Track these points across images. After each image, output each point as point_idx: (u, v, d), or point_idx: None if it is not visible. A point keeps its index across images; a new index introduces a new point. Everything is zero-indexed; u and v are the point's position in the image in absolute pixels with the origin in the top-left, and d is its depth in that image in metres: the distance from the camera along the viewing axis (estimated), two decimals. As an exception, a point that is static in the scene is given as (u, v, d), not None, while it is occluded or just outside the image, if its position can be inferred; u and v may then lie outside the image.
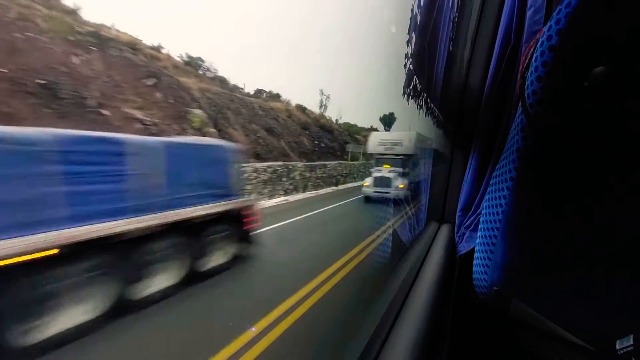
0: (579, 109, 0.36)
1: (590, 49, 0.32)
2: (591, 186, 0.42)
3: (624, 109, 0.34)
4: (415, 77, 1.07)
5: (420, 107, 1.18)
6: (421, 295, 0.75)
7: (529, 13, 0.86)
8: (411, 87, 1.08)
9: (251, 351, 2.94)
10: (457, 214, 1.21)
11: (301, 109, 21.90)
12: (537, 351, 0.62)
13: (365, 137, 22.78)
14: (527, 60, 0.40)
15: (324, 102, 27.60)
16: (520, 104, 0.42)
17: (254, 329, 3.27)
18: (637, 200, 0.40)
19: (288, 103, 22.34)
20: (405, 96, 1.08)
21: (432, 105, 1.25)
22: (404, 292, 0.79)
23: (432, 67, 1.17)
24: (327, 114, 26.76)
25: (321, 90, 28.53)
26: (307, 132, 18.76)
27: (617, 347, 0.42)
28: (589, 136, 0.38)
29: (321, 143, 19.55)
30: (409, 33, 1.01)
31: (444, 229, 1.37)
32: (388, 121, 37.18)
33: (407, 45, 1.02)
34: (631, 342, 0.41)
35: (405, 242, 1.55)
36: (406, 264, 1.06)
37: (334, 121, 27.11)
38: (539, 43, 0.36)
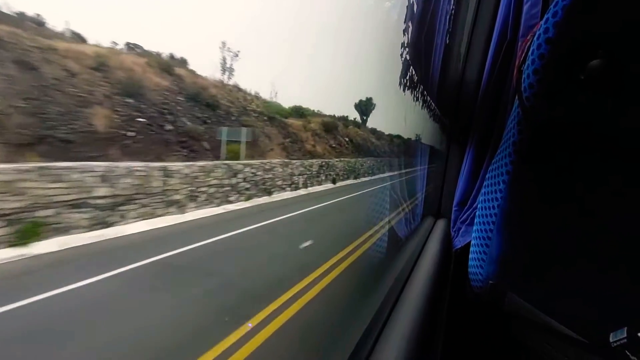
0: (575, 102, 0.35)
1: (586, 42, 0.32)
2: (587, 180, 0.42)
3: (620, 102, 0.33)
4: (411, 67, 1.06)
5: (417, 99, 1.17)
6: (416, 289, 0.75)
7: (525, 7, 0.86)
8: (407, 77, 1.07)
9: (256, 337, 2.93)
10: (453, 208, 1.21)
11: (162, 66, 11.78)
12: (532, 344, 0.62)
13: (309, 125, 17.77)
14: (523, 54, 0.39)
15: (228, 64, 16.46)
16: (516, 97, 0.42)
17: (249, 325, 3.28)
18: (632, 193, 0.40)
19: (115, 51, 11.84)
20: (402, 86, 1.06)
21: (428, 98, 1.24)
22: (400, 286, 0.79)
23: (429, 59, 1.16)
24: (238, 82, 16.53)
25: (223, 43, 17.17)
26: (129, 101, 9.39)
27: (611, 339, 0.43)
28: (585, 129, 0.38)
29: (165, 124, 9.92)
30: (405, 22, 1.00)
31: (440, 224, 1.38)
32: (364, 109, 30.06)
33: (404, 34, 1.00)
34: (625, 335, 0.41)
35: (402, 236, 1.55)
36: (402, 259, 1.06)
37: (251, 96, 16.46)
38: (536, 36, 0.36)
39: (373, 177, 20.55)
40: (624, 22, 0.30)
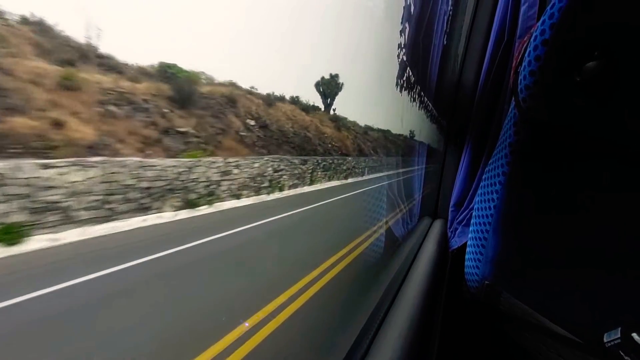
0: (571, 104, 0.35)
1: (582, 44, 0.32)
2: (582, 181, 0.42)
3: (616, 104, 0.33)
4: (408, 68, 1.06)
5: (414, 100, 1.17)
6: (413, 289, 0.75)
7: (523, 8, 0.86)
8: (404, 78, 1.07)
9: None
10: (450, 209, 1.22)
11: None
12: (527, 344, 0.63)
13: (87, 81, 7.24)
14: (520, 55, 0.39)
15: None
16: (513, 98, 0.42)
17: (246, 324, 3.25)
18: (627, 196, 0.40)
19: None
20: (398, 87, 1.07)
21: (425, 99, 1.24)
22: (396, 286, 0.79)
23: (427, 60, 1.17)
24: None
25: None
26: None
27: (605, 339, 0.43)
28: (581, 131, 0.38)
29: None
30: (402, 23, 1.00)
31: (437, 224, 1.38)
32: (326, 90, 21.99)
33: (401, 35, 1.00)
34: (618, 335, 0.41)
35: (399, 237, 1.56)
36: (399, 259, 1.06)
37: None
38: (533, 37, 0.36)
39: (245, 202, 8.81)
40: (620, 24, 0.30)
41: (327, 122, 19.32)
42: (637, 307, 0.43)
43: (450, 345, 0.89)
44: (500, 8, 1.01)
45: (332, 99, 22.45)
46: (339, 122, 20.60)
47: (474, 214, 0.59)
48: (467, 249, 0.62)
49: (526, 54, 0.37)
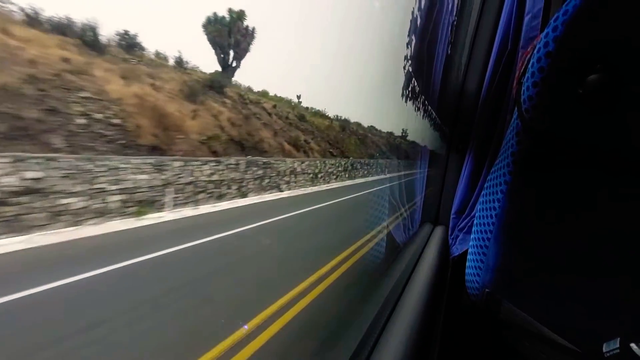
0: (574, 116, 0.36)
1: (585, 57, 0.33)
2: (584, 192, 0.43)
3: (618, 117, 0.34)
4: (413, 79, 1.08)
5: (418, 109, 1.18)
6: (414, 296, 0.76)
7: (526, 19, 0.87)
8: (409, 88, 1.08)
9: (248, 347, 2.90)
10: (451, 216, 1.22)
11: None
12: (526, 353, 0.63)
13: None
14: (523, 66, 0.40)
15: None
16: (516, 108, 0.43)
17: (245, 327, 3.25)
18: (629, 206, 0.41)
19: None
20: (404, 97, 1.08)
21: (429, 108, 1.26)
22: (397, 292, 0.79)
23: (430, 70, 1.18)
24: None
25: None
26: None
27: (604, 349, 0.43)
28: (584, 142, 0.39)
29: None
30: (409, 35, 1.01)
31: (438, 231, 1.38)
32: (219, 37, 13.22)
33: (407, 47, 1.02)
34: (617, 345, 0.42)
35: (399, 243, 1.56)
36: (400, 265, 1.06)
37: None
38: (536, 49, 0.36)
39: None
40: (624, 38, 0.31)
41: (167, 84, 10.49)
42: (637, 317, 0.43)
43: (450, 352, 0.89)
44: (504, 17, 1.03)
45: (238, 54, 13.28)
46: (198, 87, 11.36)
47: (475, 221, 0.59)
48: (468, 257, 0.63)
49: (530, 65, 0.38)
